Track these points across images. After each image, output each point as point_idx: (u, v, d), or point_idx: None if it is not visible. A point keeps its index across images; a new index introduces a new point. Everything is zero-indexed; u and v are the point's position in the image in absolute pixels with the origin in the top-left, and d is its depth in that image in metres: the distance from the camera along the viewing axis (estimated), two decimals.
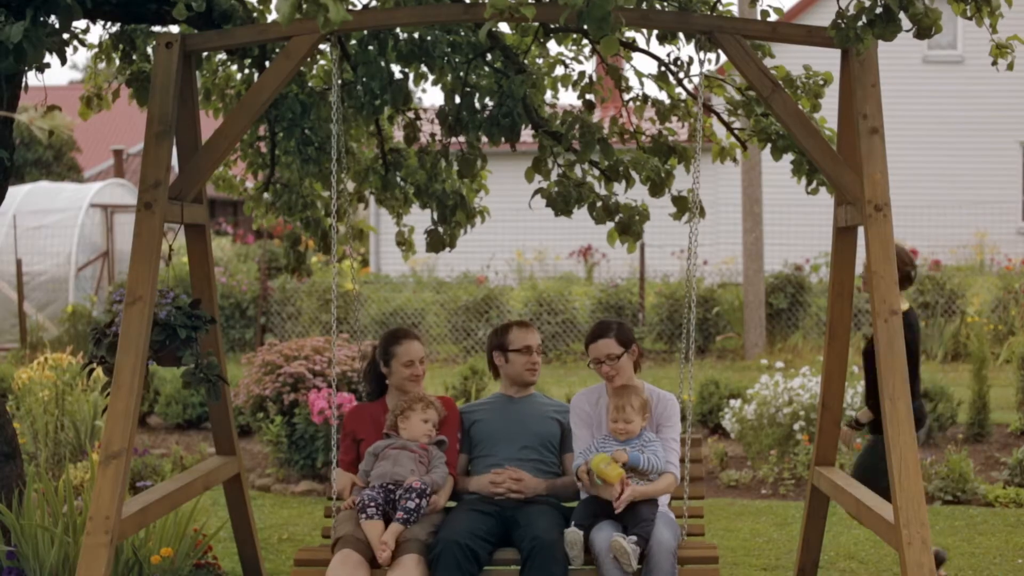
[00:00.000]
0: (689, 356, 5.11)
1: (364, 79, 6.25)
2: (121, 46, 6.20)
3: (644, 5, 5.22)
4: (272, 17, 6.13)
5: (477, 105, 6.45)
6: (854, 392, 9.35)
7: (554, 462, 5.20)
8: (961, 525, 7.75)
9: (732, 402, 9.90)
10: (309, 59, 6.38)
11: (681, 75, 6.31)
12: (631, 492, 4.74)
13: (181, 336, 4.98)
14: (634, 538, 4.62)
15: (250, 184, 7.61)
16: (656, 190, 6.51)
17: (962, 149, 23.82)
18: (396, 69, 6.34)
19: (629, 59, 6.83)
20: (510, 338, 5.27)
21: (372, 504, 4.79)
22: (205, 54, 6.23)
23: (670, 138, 6.59)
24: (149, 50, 6.15)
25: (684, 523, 5.03)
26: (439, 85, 6.51)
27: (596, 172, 6.67)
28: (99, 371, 8.90)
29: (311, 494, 8.84)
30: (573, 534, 4.69)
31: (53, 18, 4.44)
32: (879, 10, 4.45)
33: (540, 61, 6.82)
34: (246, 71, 6.70)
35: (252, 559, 6.05)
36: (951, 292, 16.15)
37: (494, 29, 6.18)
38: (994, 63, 5.16)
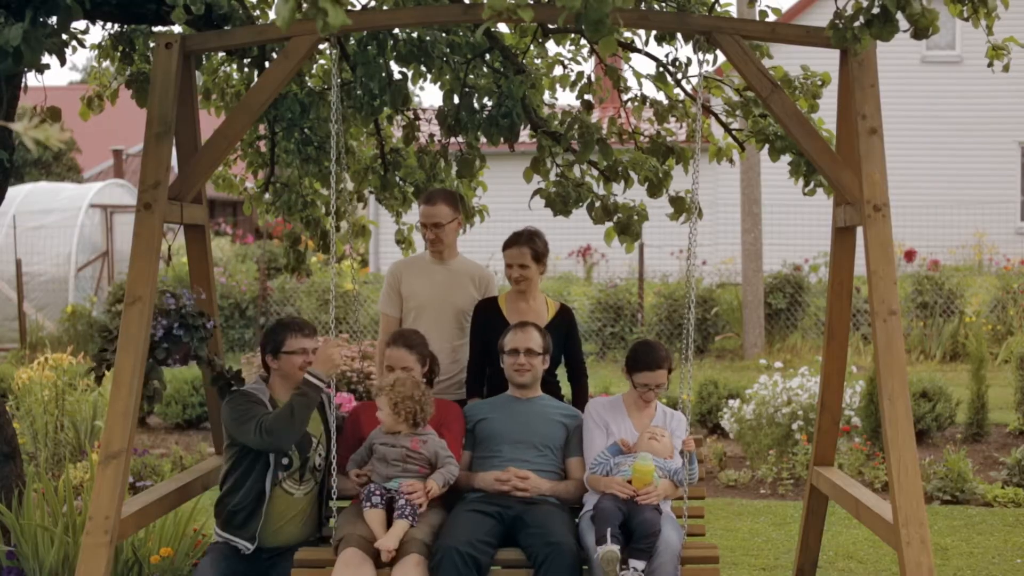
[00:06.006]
0: (688, 356, 5.11)
1: (363, 79, 6.26)
2: (121, 47, 6.21)
3: (643, 6, 5.23)
4: (272, 17, 6.14)
5: (476, 105, 6.46)
6: (852, 392, 9.36)
7: (557, 465, 5.19)
8: (960, 525, 7.75)
9: (731, 402, 9.91)
10: (308, 59, 6.39)
11: (679, 76, 6.32)
12: (656, 496, 4.82)
13: (200, 335, 5.03)
14: (638, 566, 4.65)
15: (250, 184, 7.62)
16: (654, 190, 6.52)
17: (961, 149, 23.83)
18: (395, 69, 6.35)
19: (628, 60, 6.84)
20: (505, 339, 5.26)
21: (377, 493, 4.81)
22: (205, 54, 6.24)
23: (668, 139, 6.60)
24: (149, 50, 6.16)
25: (684, 523, 5.03)
26: (438, 85, 6.52)
27: (595, 172, 6.68)
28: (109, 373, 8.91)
29: None
30: (611, 552, 4.59)
31: (53, 19, 4.45)
32: (876, 10, 4.45)
33: (539, 61, 6.83)
34: (245, 71, 6.71)
35: None
36: (950, 292, 16.16)
37: (493, 30, 6.19)
38: (990, 64, 5.18)
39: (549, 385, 5.50)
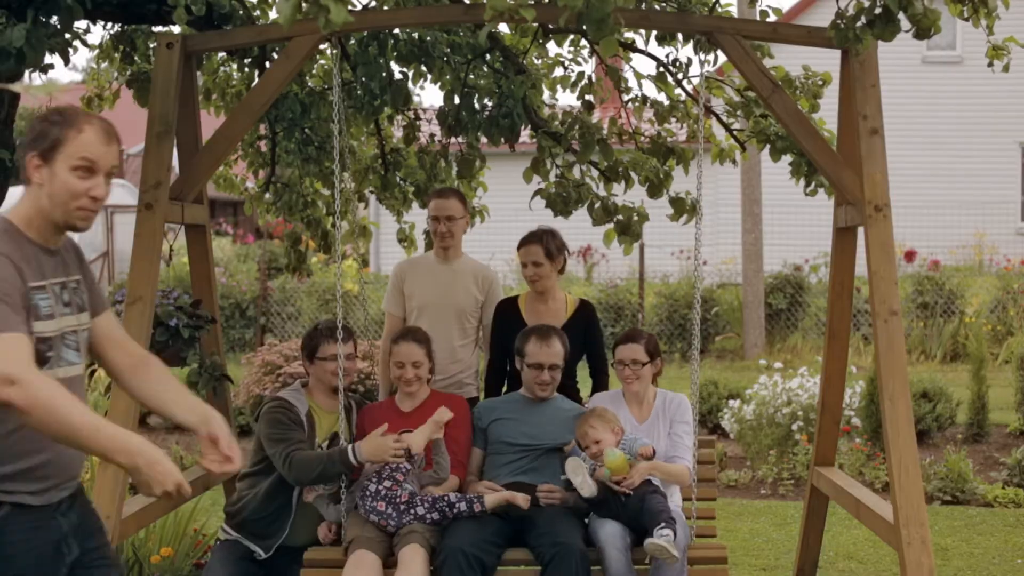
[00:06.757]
0: (694, 356, 5.09)
1: (364, 79, 6.26)
2: (121, 47, 6.21)
3: (643, 6, 5.23)
4: (273, 16, 6.14)
5: (476, 106, 6.46)
6: (852, 392, 9.36)
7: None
8: (960, 525, 7.75)
9: (731, 402, 9.90)
10: (309, 59, 6.39)
11: (680, 76, 6.32)
12: (640, 472, 4.79)
13: (184, 336, 4.99)
14: (666, 533, 4.57)
15: (251, 183, 7.63)
16: (654, 191, 6.51)
17: (961, 149, 23.81)
18: (396, 69, 6.35)
19: (628, 60, 6.84)
20: (527, 349, 5.17)
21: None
22: (206, 54, 6.24)
23: (668, 139, 6.60)
24: (150, 50, 6.16)
25: (693, 524, 5.01)
26: (438, 85, 6.52)
27: (595, 173, 6.68)
28: (100, 372, 8.91)
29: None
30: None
31: (54, 19, 4.45)
32: (878, 10, 4.45)
33: (539, 62, 6.83)
34: (246, 71, 6.72)
35: None
36: (950, 292, 16.17)
37: (493, 30, 6.19)
38: (990, 64, 5.18)
39: (566, 388, 5.47)
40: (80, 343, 3.17)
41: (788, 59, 6.18)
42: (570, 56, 6.81)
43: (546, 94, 6.86)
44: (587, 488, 4.71)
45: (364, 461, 4.76)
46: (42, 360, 3.00)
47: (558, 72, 6.85)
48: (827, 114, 5.75)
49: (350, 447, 4.77)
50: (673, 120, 6.69)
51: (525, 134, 6.65)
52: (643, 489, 4.80)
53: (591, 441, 4.89)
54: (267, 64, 6.18)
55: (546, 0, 5.00)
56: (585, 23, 3.78)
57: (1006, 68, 5.15)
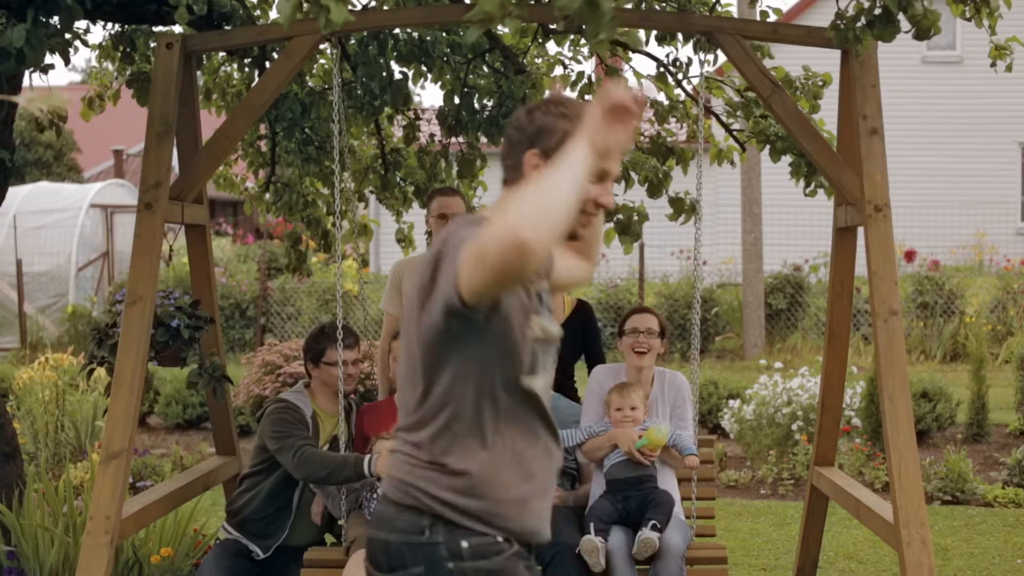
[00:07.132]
0: (694, 356, 5.09)
1: (364, 79, 6.26)
2: (121, 47, 6.22)
3: (643, 6, 5.23)
4: (273, 16, 6.14)
5: (476, 105, 6.46)
6: (853, 392, 9.36)
7: (573, 468, 5.17)
8: (960, 525, 7.75)
9: (731, 402, 9.90)
10: (309, 59, 6.39)
11: (680, 76, 6.32)
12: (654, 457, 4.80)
13: (184, 336, 5.00)
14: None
15: (251, 183, 7.63)
16: (654, 191, 6.51)
17: (961, 149, 23.81)
18: (396, 69, 6.35)
19: (628, 60, 6.84)
20: None
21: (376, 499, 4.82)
22: (206, 54, 6.24)
23: (668, 139, 6.60)
24: (150, 50, 6.16)
25: (693, 523, 5.01)
26: (438, 85, 6.52)
27: None
28: (100, 372, 8.91)
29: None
30: (590, 542, 4.65)
31: (55, 19, 4.46)
32: (878, 11, 4.46)
33: (539, 61, 6.83)
34: (246, 71, 6.72)
35: None
36: (950, 292, 16.16)
37: (493, 30, 6.19)
38: (992, 64, 5.18)
39: (565, 388, 5.46)
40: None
41: (788, 59, 6.18)
42: (570, 56, 6.81)
43: (546, 94, 6.86)
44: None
45: (375, 475, 4.75)
46: (533, 367, 2.71)
47: (558, 72, 6.85)
48: (827, 114, 5.74)
49: (366, 459, 4.75)
50: (673, 120, 6.69)
51: None
52: (646, 488, 4.80)
53: (627, 405, 4.86)
54: (267, 64, 6.18)
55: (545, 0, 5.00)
56: (582, 19, 3.78)
57: (1009, 68, 5.15)
